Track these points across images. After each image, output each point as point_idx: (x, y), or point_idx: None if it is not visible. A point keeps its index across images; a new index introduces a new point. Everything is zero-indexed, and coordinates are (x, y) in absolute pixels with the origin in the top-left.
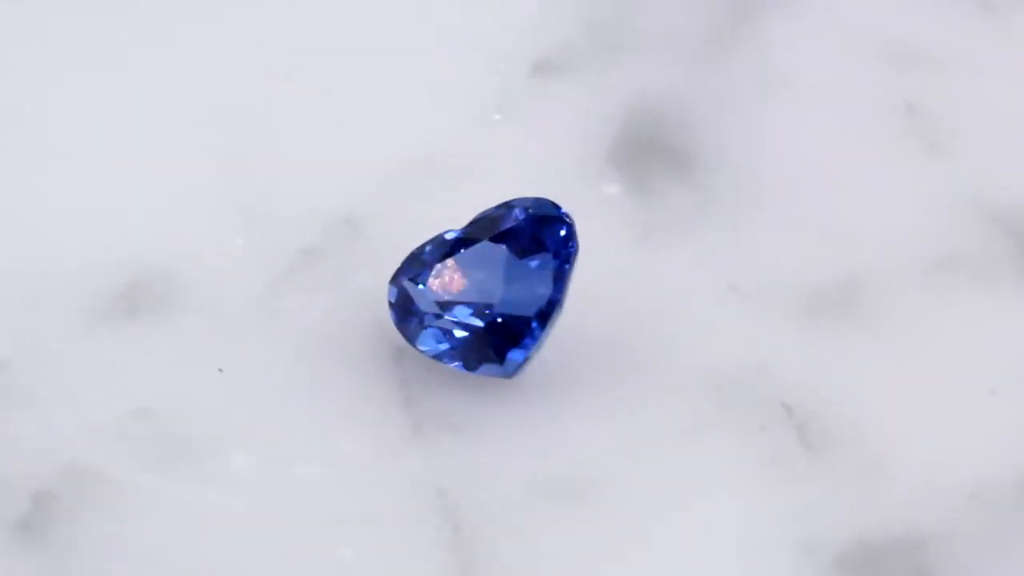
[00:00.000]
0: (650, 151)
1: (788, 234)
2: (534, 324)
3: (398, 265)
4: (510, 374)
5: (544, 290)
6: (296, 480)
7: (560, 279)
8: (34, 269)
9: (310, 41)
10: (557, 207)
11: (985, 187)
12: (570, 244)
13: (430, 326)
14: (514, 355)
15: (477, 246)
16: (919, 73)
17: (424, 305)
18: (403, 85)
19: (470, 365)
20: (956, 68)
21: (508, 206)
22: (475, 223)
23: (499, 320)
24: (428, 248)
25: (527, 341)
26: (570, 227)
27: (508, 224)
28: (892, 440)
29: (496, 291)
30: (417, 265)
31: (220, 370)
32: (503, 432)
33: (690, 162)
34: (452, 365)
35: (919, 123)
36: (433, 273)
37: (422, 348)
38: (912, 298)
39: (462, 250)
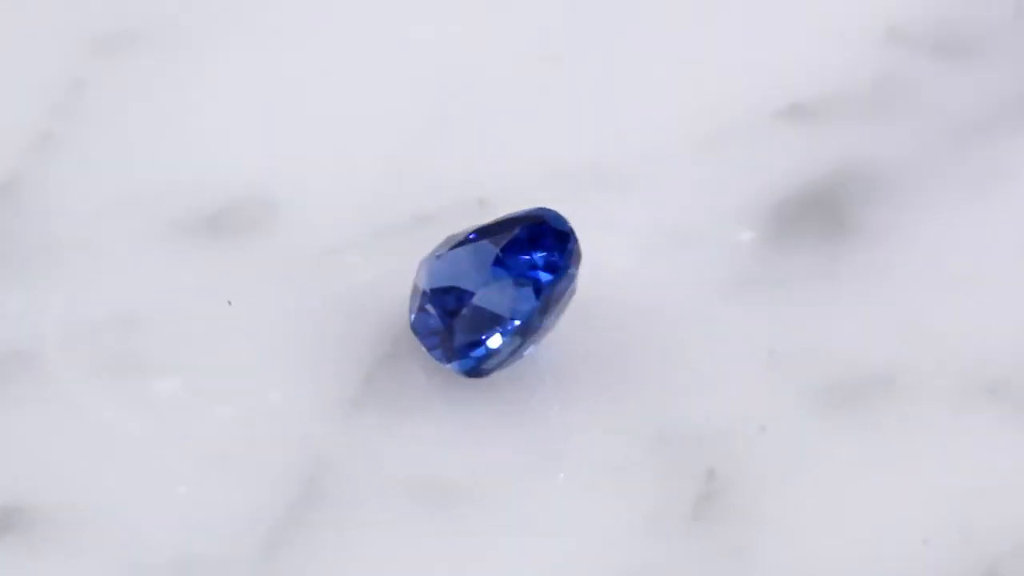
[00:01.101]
0: (819, 211)
1: (875, 319)
2: (498, 327)
3: None
4: (468, 372)
5: (523, 299)
6: (202, 416)
7: (545, 291)
8: (157, 179)
9: (578, 28)
10: (566, 224)
11: None
12: (564, 261)
13: (422, 308)
14: (472, 353)
15: (478, 242)
16: None
17: (424, 287)
18: (640, 91)
19: (445, 355)
20: None
21: (533, 211)
22: (501, 220)
23: (465, 315)
24: (463, 234)
25: (485, 342)
26: (570, 247)
27: (517, 228)
28: (782, 539)
29: (474, 288)
30: (446, 248)
31: (229, 303)
32: (429, 428)
33: (848, 232)
34: (431, 352)
35: None
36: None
37: (412, 327)
38: (935, 413)
39: (468, 243)
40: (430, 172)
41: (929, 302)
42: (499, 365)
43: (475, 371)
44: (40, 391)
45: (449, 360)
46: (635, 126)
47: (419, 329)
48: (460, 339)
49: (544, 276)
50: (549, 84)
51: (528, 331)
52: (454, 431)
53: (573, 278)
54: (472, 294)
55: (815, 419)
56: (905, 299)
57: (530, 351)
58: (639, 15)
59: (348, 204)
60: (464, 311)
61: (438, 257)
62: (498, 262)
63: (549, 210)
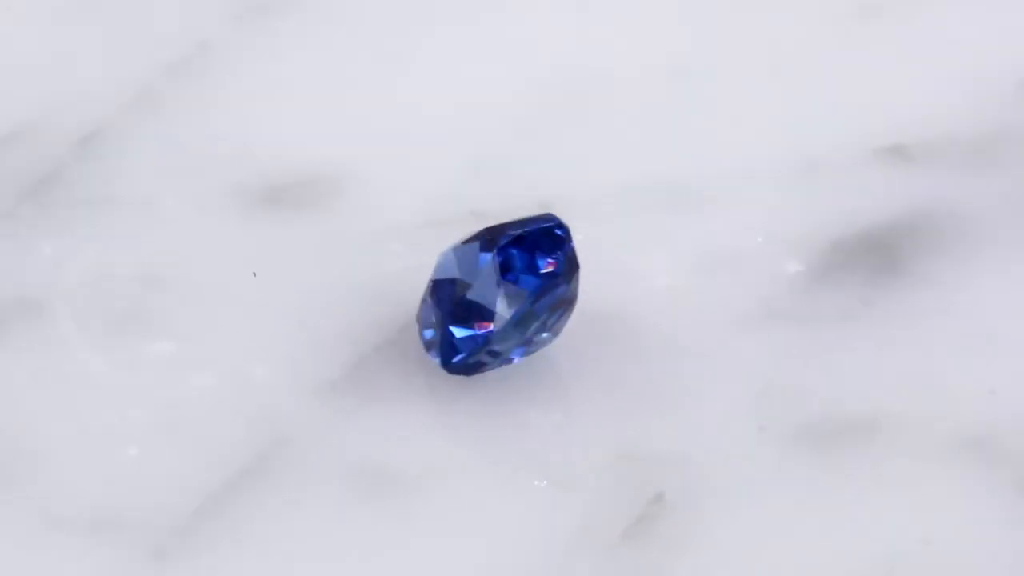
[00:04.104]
0: (877, 253)
1: (885, 367)
2: (484, 323)
3: None
4: (447, 365)
5: (512, 298)
6: (181, 382)
7: (534, 294)
8: (235, 147)
9: (693, 44)
10: (566, 232)
11: None
12: (560, 267)
13: (425, 299)
14: (453, 344)
15: (483, 239)
16: None
17: (430, 278)
18: (745, 116)
19: (433, 346)
20: None
21: (541, 216)
22: (513, 222)
23: (456, 308)
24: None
25: (465, 335)
26: (566, 254)
27: (519, 230)
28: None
29: (469, 282)
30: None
31: (254, 274)
32: (397, 419)
33: (897, 278)
34: (424, 342)
35: None
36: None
37: (416, 317)
38: (908, 467)
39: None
40: (502, 171)
41: (946, 358)
42: (480, 365)
43: (454, 365)
44: (40, 337)
45: (431, 350)
46: (729, 149)
47: (420, 319)
48: (445, 331)
49: (535, 280)
50: (649, 99)
51: (515, 333)
52: (423, 425)
53: (567, 286)
54: (467, 288)
55: (783, 459)
56: (923, 352)
57: (518, 358)
58: (765, 40)
59: (412, 192)
60: (455, 304)
61: (453, 250)
62: (495, 259)
63: (554, 217)
